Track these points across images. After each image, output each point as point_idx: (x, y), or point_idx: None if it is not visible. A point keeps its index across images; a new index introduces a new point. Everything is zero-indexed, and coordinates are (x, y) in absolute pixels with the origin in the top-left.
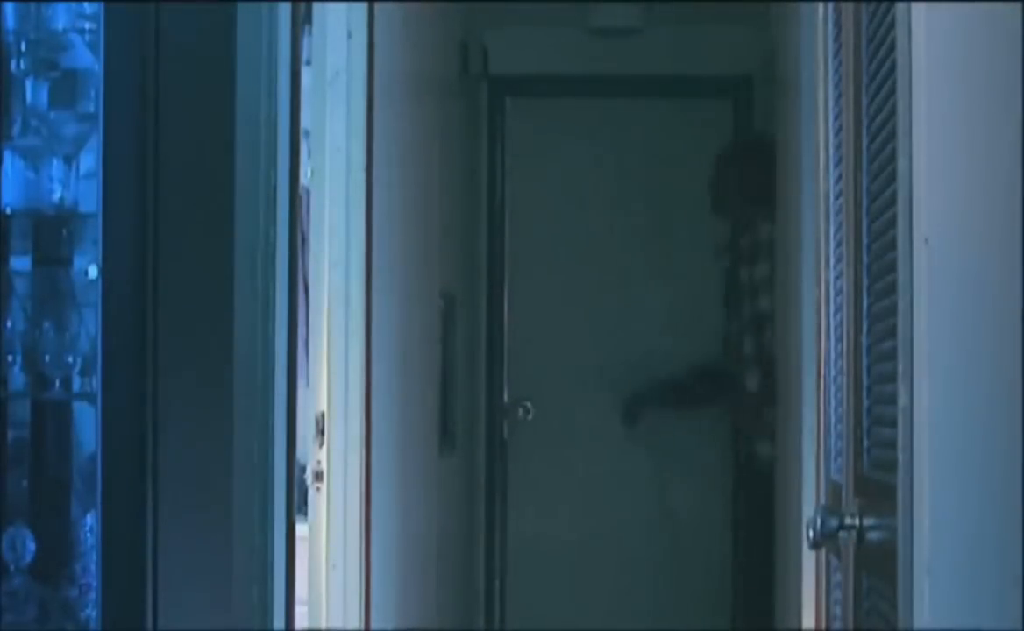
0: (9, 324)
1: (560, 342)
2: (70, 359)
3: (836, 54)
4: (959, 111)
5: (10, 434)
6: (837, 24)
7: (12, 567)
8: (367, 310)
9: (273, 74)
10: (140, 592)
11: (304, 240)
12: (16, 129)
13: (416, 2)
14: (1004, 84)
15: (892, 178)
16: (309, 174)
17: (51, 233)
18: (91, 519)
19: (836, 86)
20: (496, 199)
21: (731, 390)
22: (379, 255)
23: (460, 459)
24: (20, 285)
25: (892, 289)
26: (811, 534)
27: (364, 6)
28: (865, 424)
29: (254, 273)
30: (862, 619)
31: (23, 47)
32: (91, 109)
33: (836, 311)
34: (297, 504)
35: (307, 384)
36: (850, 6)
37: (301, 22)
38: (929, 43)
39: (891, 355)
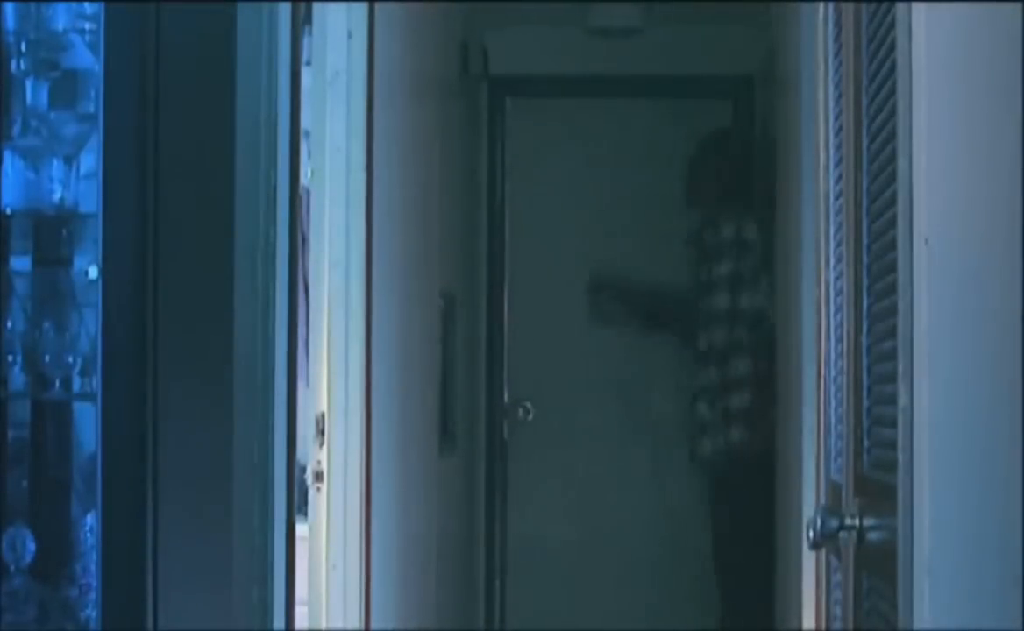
0: (9, 324)
1: (560, 342)
2: (70, 359)
3: (836, 54)
4: (959, 111)
5: (10, 434)
6: (837, 24)
7: (12, 567)
8: (367, 310)
9: (273, 74)
10: (140, 592)
11: (304, 240)
12: (16, 129)
13: (416, 2)
14: (1004, 84)
15: (892, 178)
16: (309, 174)
17: (51, 233)
18: (91, 519)
19: (836, 86)
20: (496, 199)
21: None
22: (379, 255)
23: (460, 459)
24: (20, 285)
25: (892, 289)
26: (811, 534)
27: (364, 6)
28: (865, 424)
29: (254, 273)
30: (862, 619)
31: (23, 47)
32: (91, 109)
33: (836, 311)
34: (297, 504)
35: (307, 384)
36: (850, 6)
37: (301, 22)
38: (929, 43)
39: (891, 355)
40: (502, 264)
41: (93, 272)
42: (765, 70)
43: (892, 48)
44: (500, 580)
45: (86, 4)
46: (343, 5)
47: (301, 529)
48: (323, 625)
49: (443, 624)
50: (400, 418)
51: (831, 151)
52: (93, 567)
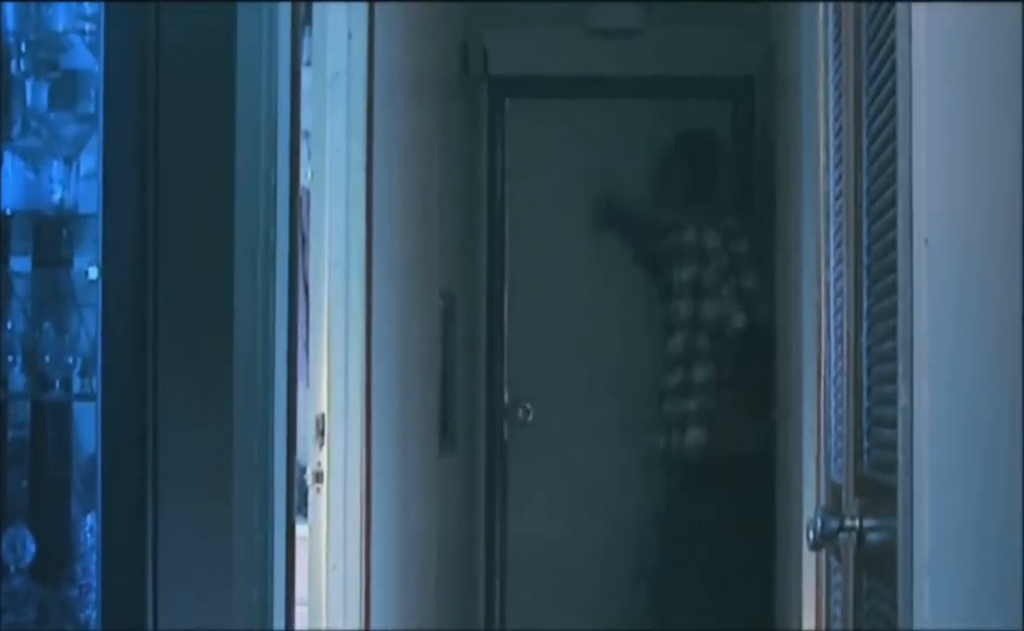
0: (9, 325)
1: (560, 343)
2: (70, 360)
3: (836, 54)
4: (959, 111)
5: (10, 435)
6: (837, 24)
7: (12, 568)
8: (367, 310)
9: (273, 75)
10: (140, 592)
11: (304, 240)
12: (16, 130)
13: (416, 2)
14: (1004, 84)
15: (892, 179)
16: (309, 175)
17: (51, 234)
18: (91, 520)
19: (836, 86)
20: (496, 199)
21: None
22: (379, 255)
23: (460, 459)
24: (20, 286)
25: (892, 290)
26: (811, 535)
27: (364, 7)
28: (865, 425)
29: (254, 273)
30: (862, 620)
31: (23, 48)
32: (91, 110)
33: (836, 311)
34: (297, 505)
35: (307, 384)
36: (850, 6)
37: (301, 23)
38: (929, 43)
39: (891, 356)
40: (502, 264)
41: (93, 272)
42: (765, 70)
43: (892, 48)
44: (500, 580)
45: (86, 4)
46: (343, 5)
47: (301, 529)
48: (323, 625)
49: (443, 624)
50: (400, 418)
51: (831, 151)
52: (93, 567)
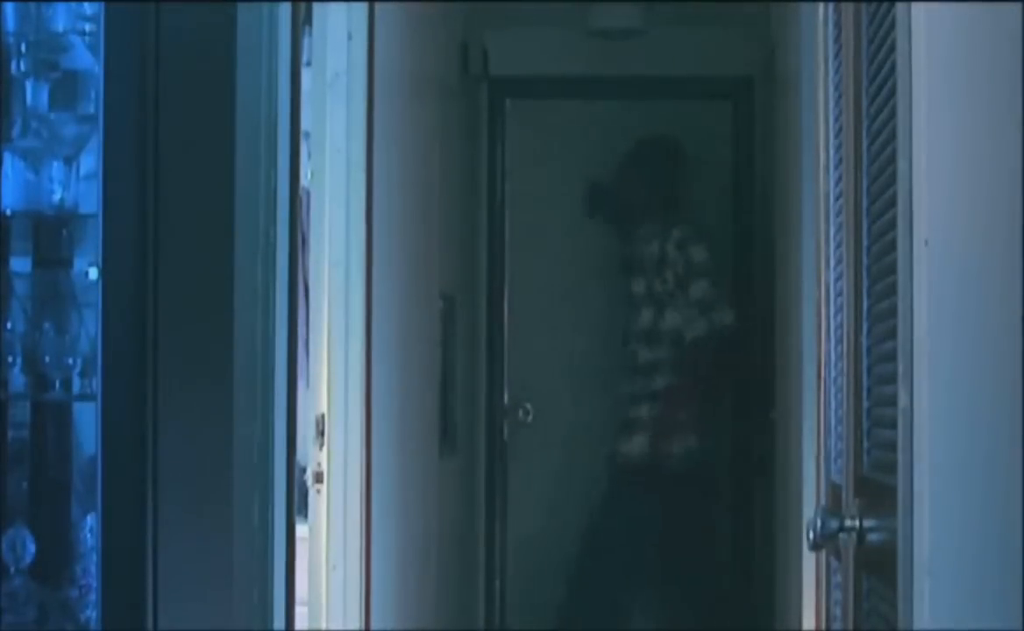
0: (9, 325)
1: (560, 343)
2: (70, 360)
3: (836, 54)
4: (959, 112)
5: (10, 435)
6: (837, 24)
7: (12, 568)
8: (367, 310)
9: (273, 75)
10: (140, 593)
11: (304, 240)
12: (16, 130)
13: (416, 2)
14: (1004, 84)
15: (892, 179)
16: (309, 175)
17: (51, 234)
18: (91, 520)
19: (836, 86)
20: (496, 199)
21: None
22: (379, 255)
23: (460, 460)
24: (20, 286)
25: (892, 290)
26: (811, 535)
27: (364, 7)
28: (865, 425)
29: (254, 273)
30: (862, 620)
31: (23, 48)
32: (91, 110)
33: (836, 312)
34: (297, 505)
35: (307, 384)
36: (850, 6)
37: (301, 23)
38: (929, 43)
39: (891, 356)
40: (502, 264)
41: (93, 273)
42: (765, 70)
43: (892, 48)
44: (500, 580)
45: (86, 4)
46: (343, 6)
47: (301, 529)
48: (323, 625)
49: (443, 624)
50: (400, 419)
51: (831, 151)
52: (93, 568)
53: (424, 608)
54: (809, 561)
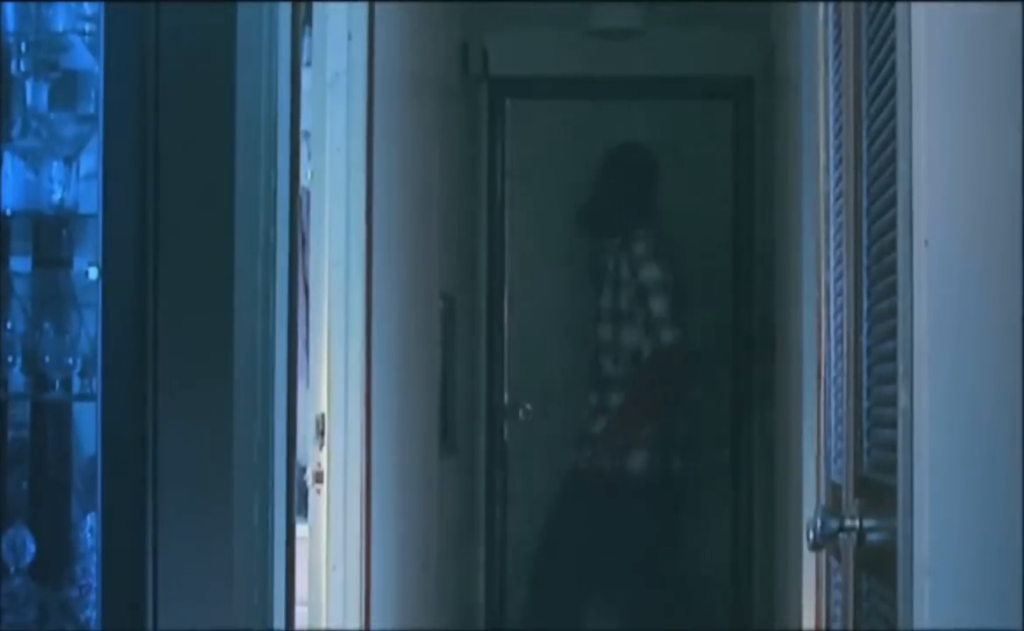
0: (9, 325)
1: (560, 343)
2: (70, 360)
3: (836, 54)
4: (959, 112)
5: (10, 435)
6: (837, 24)
7: (12, 568)
8: (367, 310)
9: (273, 75)
10: (140, 593)
11: (304, 240)
12: (16, 130)
13: (416, 3)
14: (1004, 84)
15: (892, 179)
16: (309, 175)
17: (51, 234)
18: (91, 520)
19: (836, 86)
20: (496, 199)
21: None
22: (379, 255)
23: (460, 460)
24: (20, 286)
25: (892, 290)
26: (811, 535)
27: (364, 7)
28: (865, 425)
29: (254, 273)
30: (862, 620)
31: (23, 48)
32: (91, 110)
33: (836, 312)
34: (297, 505)
35: (307, 384)
36: (850, 6)
37: (301, 23)
38: (929, 43)
39: (891, 356)
40: (502, 264)
41: (93, 273)
42: (765, 71)
43: (892, 48)
44: (500, 580)
45: (86, 4)
46: (343, 6)
47: (301, 529)
48: (323, 625)
49: (443, 624)
50: (400, 419)
51: (831, 151)
52: (93, 568)
53: (424, 608)
54: (809, 561)
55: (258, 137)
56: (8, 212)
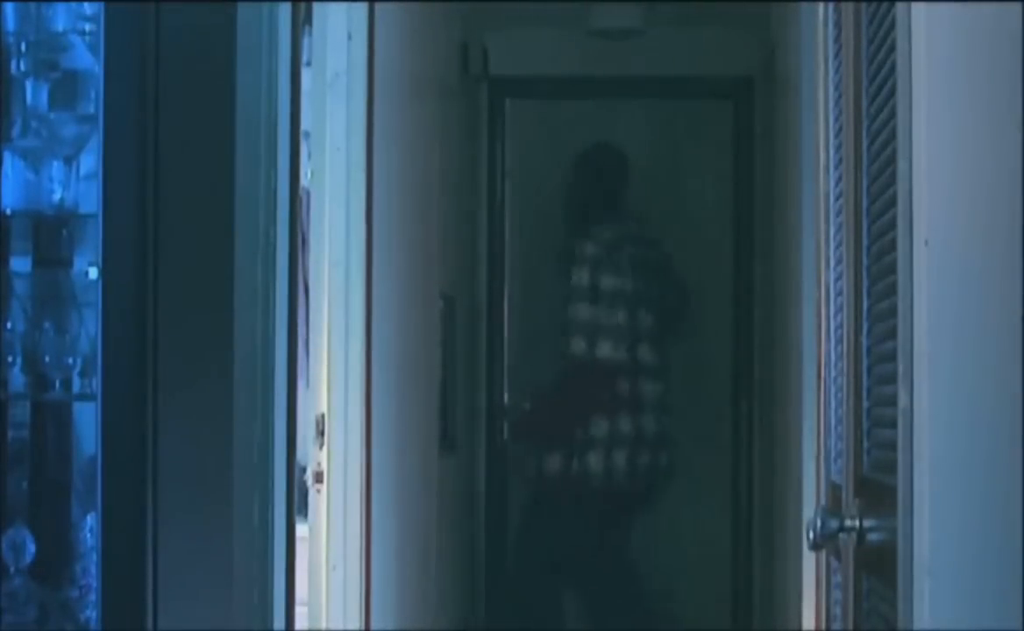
0: (9, 325)
1: (560, 343)
2: (70, 360)
3: (836, 54)
4: (959, 112)
5: (10, 435)
6: (837, 24)
7: (12, 568)
8: (367, 310)
9: (273, 75)
10: (140, 593)
11: (304, 240)
12: (16, 130)
13: (416, 3)
14: (1004, 84)
15: (892, 179)
16: (309, 175)
17: (51, 234)
18: (91, 520)
19: (836, 86)
20: (496, 199)
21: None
22: (379, 255)
23: (460, 460)
24: (20, 286)
25: (892, 290)
26: (811, 535)
27: (364, 7)
28: (865, 425)
29: (254, 273)
30: (862, 620)
31: (23, 48)
32: (91, 110)
33: (836, 312)
34: (297, 505)
35: (307, 384)
36: (850, 6)
37: (301, 23)
38: (929, 43)
39: (891, 356)
40: (502, 264)
41: (93, 272)
42: (765, 70)
43: (892, 48)
44: (500, 580)
45: (86, 4)
46: (343, 6)
47: (301, 529)
48: (323, 625)
49: (443, 624)
50: (400, 418)
51: (831, 151)
52: (93, 568)
53: (424, 608)
54: (809, 561)
55: (258, 137)
56: (8, 212)
